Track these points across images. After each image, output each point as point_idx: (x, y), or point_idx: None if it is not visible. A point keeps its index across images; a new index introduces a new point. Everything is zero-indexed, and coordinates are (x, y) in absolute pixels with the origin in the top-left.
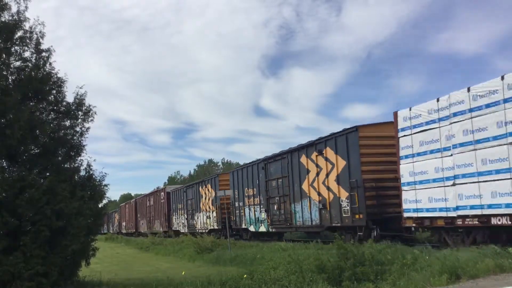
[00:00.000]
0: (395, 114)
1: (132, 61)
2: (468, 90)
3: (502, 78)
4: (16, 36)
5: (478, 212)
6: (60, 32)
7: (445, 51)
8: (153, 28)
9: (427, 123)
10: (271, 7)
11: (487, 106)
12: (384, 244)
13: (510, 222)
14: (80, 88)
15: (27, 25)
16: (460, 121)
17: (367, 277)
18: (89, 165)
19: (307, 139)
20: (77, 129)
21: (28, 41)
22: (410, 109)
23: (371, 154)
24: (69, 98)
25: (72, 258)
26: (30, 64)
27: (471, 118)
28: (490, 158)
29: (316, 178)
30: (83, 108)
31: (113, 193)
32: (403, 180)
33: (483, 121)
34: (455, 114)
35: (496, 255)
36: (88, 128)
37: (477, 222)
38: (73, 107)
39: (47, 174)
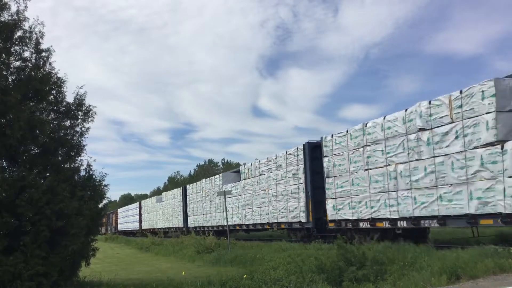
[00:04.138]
0: None
1: (130, 61)
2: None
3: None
4: (16, 36)
5: None
6: (57, 33)
7: (443, 51)
8: (150, 29)
9: None
10: (267, 7)
11: None
12: (384, 244)
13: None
14: (80, 88)
15: (26, 25)
16: None
17: (367, 278)
18: (89, 165)
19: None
20: (77, 129)
21: (27, 41)
22: None
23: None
24: (69, 98)
25: (72, 258)
26: (30, 64)
27: None
28: None
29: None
30: (83, 108)
31: (113, 194)
32: None
33: None
34: None
35: (496, 255)
36: (88, 128)
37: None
38: (73, 107)
39: (47, 174)
